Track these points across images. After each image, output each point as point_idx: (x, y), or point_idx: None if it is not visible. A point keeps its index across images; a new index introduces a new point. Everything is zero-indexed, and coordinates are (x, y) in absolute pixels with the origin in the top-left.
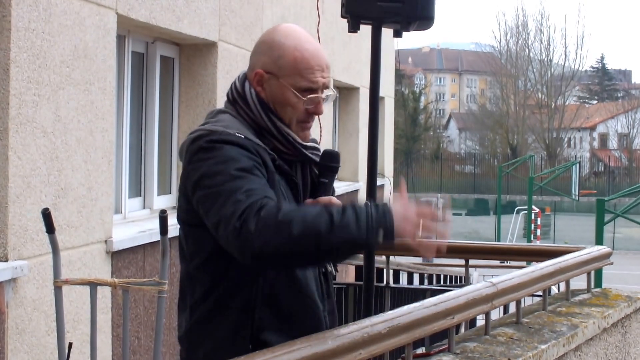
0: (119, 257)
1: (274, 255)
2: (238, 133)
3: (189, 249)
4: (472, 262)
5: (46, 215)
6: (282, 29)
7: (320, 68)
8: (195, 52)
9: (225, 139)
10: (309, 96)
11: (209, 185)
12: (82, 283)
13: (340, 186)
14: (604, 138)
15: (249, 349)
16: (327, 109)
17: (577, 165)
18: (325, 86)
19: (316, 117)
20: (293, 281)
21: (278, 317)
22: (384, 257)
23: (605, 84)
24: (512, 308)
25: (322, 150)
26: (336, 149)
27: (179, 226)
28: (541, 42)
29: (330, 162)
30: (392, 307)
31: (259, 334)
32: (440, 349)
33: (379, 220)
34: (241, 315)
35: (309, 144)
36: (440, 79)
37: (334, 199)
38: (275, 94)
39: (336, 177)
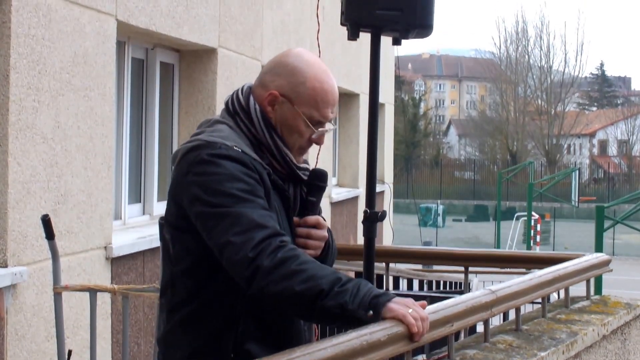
0: (119, 263)
1: (275, 295)
2: (236, 146)
3: (175, 253)
4: (471, 268)
5: (46, 221)
6: (305, 57)
7: (334, 103)
8: (195, 59)
9: (226, 154)
10: (319, 129)
11: (213, 204)
12: (82, 289)
13: (340, 192)
14: (603, 145)
15: (231, 357)
16: None
17: (577, 171)
18: (331, 120)
19: None
20: None
21: (261, 328)
22: (383, 264)
23: (604, 90)
24: (512, 315)
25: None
26: (336, 155)
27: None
28: (541, 49)
29: (318, 181)
30: None
31: (243, 343)
32: (440, 356)
33: (374, 301)
34: (224, 324)
35: (302, 165)
36: (440, 85)
37: (320, 219)
38: (287, 118)
39: (323, 195)
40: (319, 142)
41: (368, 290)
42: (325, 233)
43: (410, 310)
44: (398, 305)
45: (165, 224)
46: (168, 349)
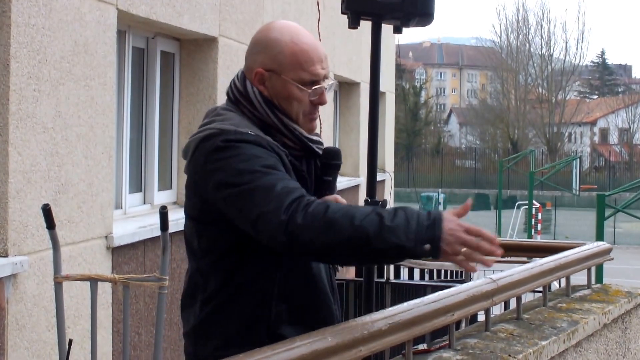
0: (120, 253)
1: (320, 250)
2: (250, 131)
3: (201, 247)
4: None
5: (46, 210)
6: (276, 26)
7: (319, 59)
8: (195, 48)
9: (242, 138)
10: (313, 88)
11: (239, 183)
12: (83, 279)
13: (341, 181)
14: (604, 133)
15: (265, 342)
16: (328, 104)
17: (578, 160)
18: (326, 77)
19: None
20: (308, 276)
21: (294, 312)
22: None
23: (605, 78)
24: (513, 304)
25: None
26: (337, 144)
27: (183, 222)
28: (542, 37)
29: (332, 160)
30: (393, 303)
31: (277, 328)
32: (441, 345)
33: (428, 233)
34: (257, 310)
35: (314, 137)
36: (440, 73)
37: (339, 198)
38: (279, 90)
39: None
40: (320, 101)
41: (417, 223)
42: None
43: (464, 249)
44: (454, 243)
45: (186, 218)
46: (200, 340)
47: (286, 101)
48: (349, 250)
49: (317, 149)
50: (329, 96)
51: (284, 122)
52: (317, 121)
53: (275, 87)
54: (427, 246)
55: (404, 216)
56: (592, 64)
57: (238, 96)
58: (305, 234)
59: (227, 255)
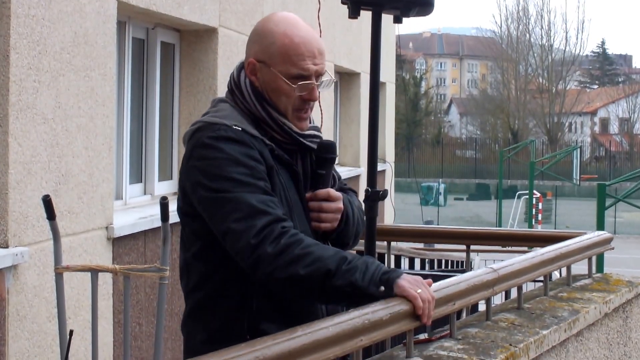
0: (120, 244)
1: (283, 281)
2: (236, 125)
3: (187, 238)
4: (473, 247)
5: (47, 201)
6: (275, 17)
7: (311, 55)
8: (195, 38)
9: (225, 136)
10: (299, 83)
11: (214, 189)
12: (83, 269)
13: (342, 172)
14: (604, 123)
15: (247, 338)
16: (328, 94)
17: (578, 149)
18: (319, 73)
19: (316, 103)
20: None
21: (276, 308)
22: (385, 243)
23: (606, 68)
24: (514, 293)
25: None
26: (337, 135)
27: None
28: (542, 27)
29: (325, 154)
30: None
31: (258, 324)
32: (442, 334)
33: (384, 278)
34: (238, 305)
35: (307, 132)
36: (441, 64)
37: (332, 191)
38: (268, 82)
39: (334, 165)
40: (310, 97)
41: (377, 267)
42: (339, 205)
43: (419, 291)
44: (409, 284)
45: (177, 210)
46: (189, 334)
47: (275, 94)
48: (308, 285)
49: (309, 143)
50: (327, 89)
51: (273, 116)
52: (308, 120)
53: (265, 79)
54: (382, 288)
55: (364, 260)
56: (592, 54)
57: (233, 86)
58: (271, 264)
59: (209, 249)
